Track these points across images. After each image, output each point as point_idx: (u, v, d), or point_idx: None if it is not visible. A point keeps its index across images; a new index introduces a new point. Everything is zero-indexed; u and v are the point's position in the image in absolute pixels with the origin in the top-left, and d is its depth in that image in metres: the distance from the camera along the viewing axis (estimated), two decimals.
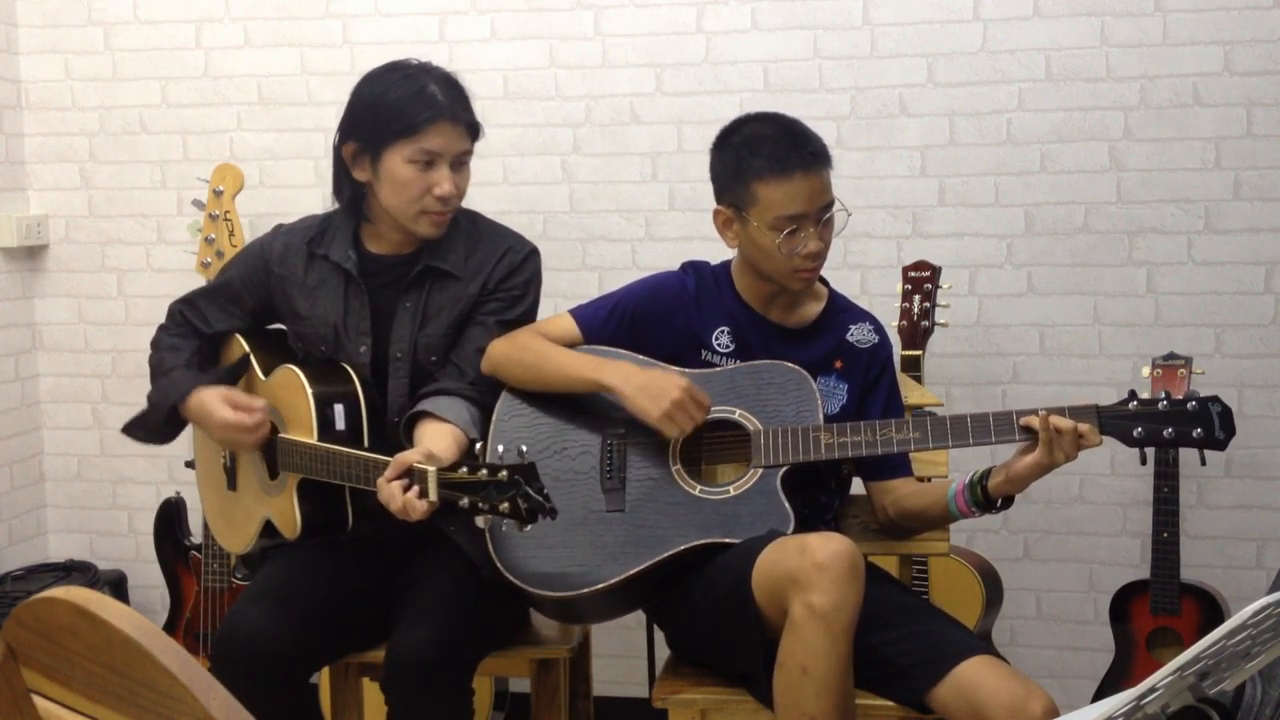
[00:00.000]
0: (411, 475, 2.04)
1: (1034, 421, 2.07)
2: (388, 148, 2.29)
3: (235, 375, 2.46)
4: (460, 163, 2.35)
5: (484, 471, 1.94)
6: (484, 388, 2.36)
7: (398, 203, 2.32)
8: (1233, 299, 3.11)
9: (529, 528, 1.94)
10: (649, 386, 2.20)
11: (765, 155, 2.21)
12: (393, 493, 2.04)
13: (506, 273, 2.41)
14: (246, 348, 2.48)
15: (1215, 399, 2.06)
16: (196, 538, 3.24)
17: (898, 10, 3.18)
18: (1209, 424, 2.04)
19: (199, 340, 2.51)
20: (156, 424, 2.45)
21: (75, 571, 3.52)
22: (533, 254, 2.45)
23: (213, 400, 2.34)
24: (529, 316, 2.44)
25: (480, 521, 1.98)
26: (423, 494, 2.01)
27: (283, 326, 2.51)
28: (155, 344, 2.53)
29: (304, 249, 2.43)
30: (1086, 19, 3.10)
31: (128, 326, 3.58)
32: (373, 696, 2.51)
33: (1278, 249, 3.08)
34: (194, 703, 0.95)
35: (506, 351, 2.34)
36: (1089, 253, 3.15)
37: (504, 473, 1.92)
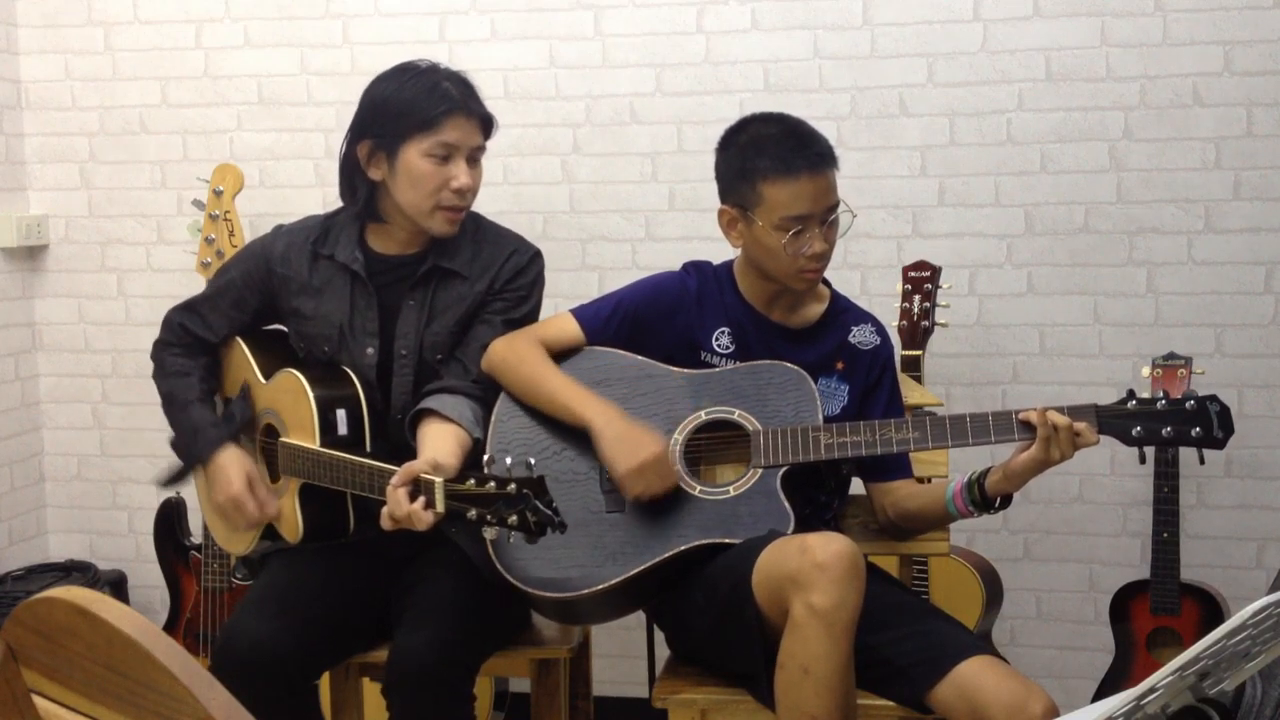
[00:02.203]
0: (418, 485, 2.04)
1: (1032, 417, 2.07)
2: (405, 143, 2.30)
3: (245, 413, 2.45)
4: (474, 159, 2.36)
5: (492, 484, 1.94)
6: (488, 385, 2.36)
7: (415, 198, 2.33)
8: (1233, 299, 3.11)
9: (537, 540, 1.94)
10: (627, 439, 2.18)
11: (771, 155, 2.21)
12: (399, 501, 2.04)
13: (513, 273, 2.41)
14: (247, 352, 2.47)
15: (1214, 398, 2.06)
16: (196, 538, 3.24)
17: (898, 10, 3.18)
18: (1207, 423, 2.04)
19: (205, 355, 2.50)
20: (188, 475, 2.46)
21: (75, 571, 3.52)
22: (537, 256, 2.47)
23: (235, 469, 2.33)
24: (533, 317, 2.45)
25: (488, 533, 1.97)
26: (429, 505, 2.01)
27: (282, 327, 2.51)
28: (159, 364, 2.50)
29: (308, 249, 2.42)
30: (1086, 19, 3.10)
31: (128, 326, 3.58)
32: (373, 697, 2.51)
33: (1278, 249, 3.08)
34: (194, 703, 0.95)
35: (505, 356, 2.34)
36: (1089, 253, 3.15)
37: (512, 486, 1.92)
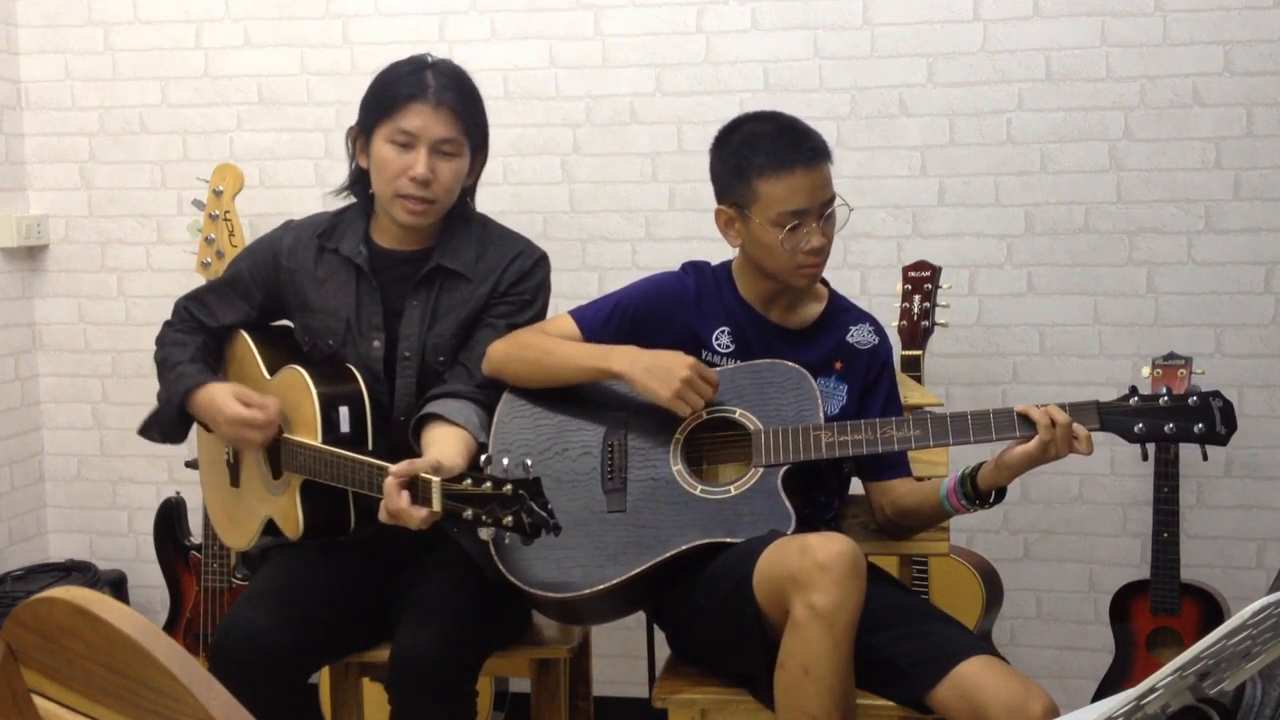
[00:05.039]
0: (415, 484, 2.04)
1: (1033, 412, 2.07)
2: (376, 129, 2.33)
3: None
4: (440, 151, 2.31)
5: (488, 484, 1.94)
6: (492, 390, 2.36)
7: (379, 184, 2.35)
8: (1233, 299, 3.11)
9: (532, 542, 1.94)
10: (656, 367, 2.20)
11: (766, 152, 2.21)
12: (392, 495, 2.03)
13: (517, 277, 2.41)
14: (252, 347, 2.47)
15: (1217, 394, 2.05)
16: (196, 538, 3.24)
17: (898, 10, 3.18)
18: (1210, 419, 2.04)
19: (204, 335, 2.51)
20: (170, 421, 2.44)
21: (75, 571, 3.51)
22: (543, 259, 2.46)
23: (223, 395, 2.34)
24: (537, 321, 2.44)
25: (484, 533, 1.97)
26: (425, 503, 2.01)
27: (288, 323, 2.51)
28: (160, 340, 2.52)
29: (314, 242, 2.43)
30: (1086, 19, 3.10)
31: (128, 326, 3.58)
32: (373, 696, 2.51)
33: (1278, 249, 3.08)
34: (194, 703, 0.95)
35: (508, 350, 2.34)
36: (1089, 253, 3.15)
37: (508, 486, 1.92)
